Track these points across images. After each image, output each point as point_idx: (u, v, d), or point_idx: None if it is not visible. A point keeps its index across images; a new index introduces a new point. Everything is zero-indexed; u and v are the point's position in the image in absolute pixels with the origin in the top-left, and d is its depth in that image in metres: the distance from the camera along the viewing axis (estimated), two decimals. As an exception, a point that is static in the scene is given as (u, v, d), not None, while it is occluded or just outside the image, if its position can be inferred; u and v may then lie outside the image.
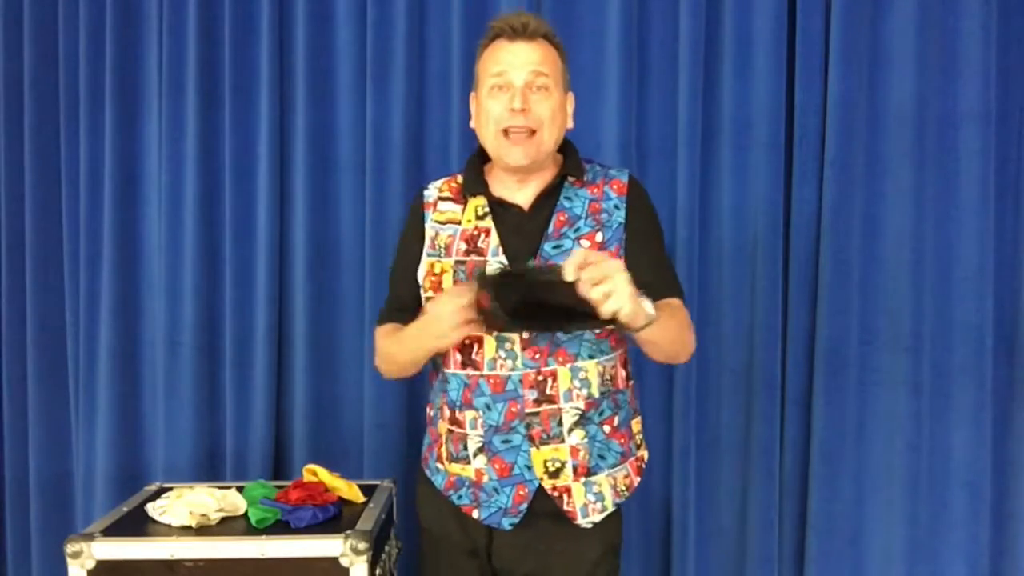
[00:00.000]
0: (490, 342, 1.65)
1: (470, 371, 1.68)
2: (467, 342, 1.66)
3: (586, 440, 1.69)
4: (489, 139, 1.68)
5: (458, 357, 1.69)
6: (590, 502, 1.70)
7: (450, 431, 1.74)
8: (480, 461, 1.70)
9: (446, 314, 1.54)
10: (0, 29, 2.64)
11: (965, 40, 2.37)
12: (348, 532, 1.79)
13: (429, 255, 1.72)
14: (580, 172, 1.71)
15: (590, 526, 1.71)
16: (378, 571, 1.91)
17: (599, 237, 1.67)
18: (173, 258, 2.59)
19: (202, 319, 2.58)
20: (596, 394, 1.69)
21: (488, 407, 1.67)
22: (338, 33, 2.56)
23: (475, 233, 1.70)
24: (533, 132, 1.65)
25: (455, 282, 1.67)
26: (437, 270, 1.70)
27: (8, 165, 2.68)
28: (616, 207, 1.69)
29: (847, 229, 2.41)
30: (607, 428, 1.71)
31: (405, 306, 1.76)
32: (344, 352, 2.58)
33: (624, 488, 1.75)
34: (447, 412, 1.74)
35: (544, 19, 1.71)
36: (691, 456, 2.47)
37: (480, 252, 1.68)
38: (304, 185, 2.54)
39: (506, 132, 1.65)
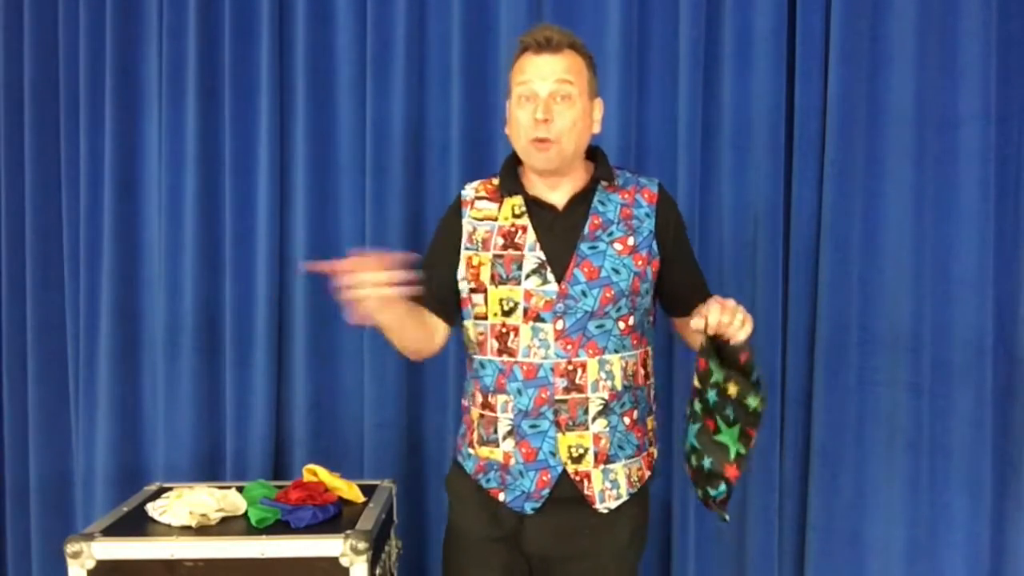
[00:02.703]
0: (526, 331, 1.75)
1: (505, 358, 1.77)
2: (504, 331, 1.75)
3: (608, 429, 1.77)
4: (520, 145, 1.77)
5: (495, 344, 1.78)
6: (607, 488, 1.78)
7: (482, 415, 1.82)
8: (509, 444, 1.78)
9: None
10: (0, 29, 2.64)
11: (965, 40, 2.36)
12: (348, 532, 1.79)
13: (467, 248, 1.80)
14: (611, 177, 1.79)
15: (606, 511, 1.78)
16: (378, 571, 1.91)
17: (631, 241, 1.77)
18: (173, 258, 2.60)
19: (202, 319, 2.58)
20: (619, 387, 1.78)
21: (520, 392, 1.76)
22: (338, 33, 2.56)
23: (512, 229, 1.78)
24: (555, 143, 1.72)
25: (493, 275, 1.75)
26: (475, 263, 1.79)
27: (8, 165, 2.68)
28: (647, 215, 1.79)
29: (847, 229, 2.41)
30: (627, 420, 1.80)
31: (430, 292, 1.83)
32: (344, 352, 2.58)
33: (637, 480, 1.82)
34: (479, 398, 1.83)
35: (568, 30, 1.75)
36: (691, 456, 2.47)
37: (517, 247, 1.76)
38: (304, 185, 2.55)
39: (532, 141, 1.72)
